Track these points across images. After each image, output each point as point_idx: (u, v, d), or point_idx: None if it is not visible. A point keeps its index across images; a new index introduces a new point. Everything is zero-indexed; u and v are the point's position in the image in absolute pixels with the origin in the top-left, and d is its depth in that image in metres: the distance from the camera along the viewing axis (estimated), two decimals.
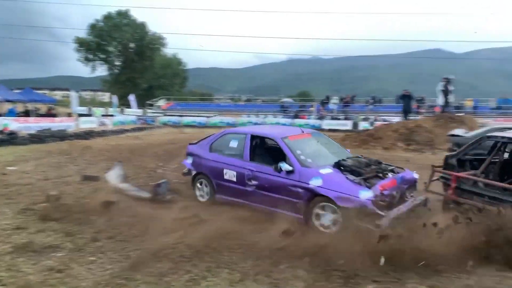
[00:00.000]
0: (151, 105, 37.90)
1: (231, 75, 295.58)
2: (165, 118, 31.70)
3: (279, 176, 5.52)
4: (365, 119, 28.71)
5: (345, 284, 3.64)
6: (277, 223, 4.93)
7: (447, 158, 6.50)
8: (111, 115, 27.35)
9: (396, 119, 25.96)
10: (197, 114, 33.62)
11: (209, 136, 7.05)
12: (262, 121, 30.60)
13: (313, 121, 29.85)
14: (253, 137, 6.28)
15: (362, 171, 5.26)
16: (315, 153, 5.97)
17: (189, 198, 6.66)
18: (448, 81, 15.97)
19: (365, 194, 4.85)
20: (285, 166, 5.44)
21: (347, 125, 28.67)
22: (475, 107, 30.11)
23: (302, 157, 5.62)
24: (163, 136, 19.68)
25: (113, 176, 6.94)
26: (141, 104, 37.75)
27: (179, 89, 58.27)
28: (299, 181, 5.33)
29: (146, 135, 20.16)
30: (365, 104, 33.81)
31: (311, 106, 35.31)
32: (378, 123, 24.84)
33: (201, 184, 6.64)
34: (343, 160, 5.64)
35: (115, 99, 31.74)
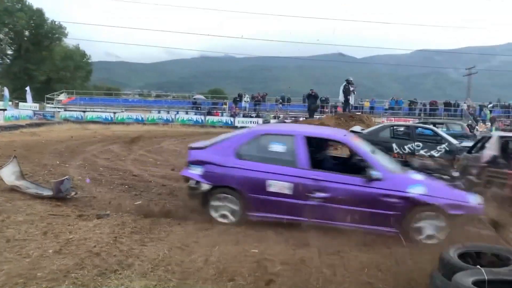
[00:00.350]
0: (51, 99, 34.88)
1: (140, 69, 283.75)
2: (66, 113, 29.43)
3: (362, 186, 4.82)
4: (275, 117, 29.85)
5: None
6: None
7: (495, 157, 6.63)
8: (3, 109, 24.59)
9: (302, 117, 27.48)
10: (102, 110, 31.81)
11: (226, 137, 5.64)
12: (173, 118, 30.09)
13: (226, 118, 30.22)
14: (307, 139, 5.26)
15: (449, 175, 5.13)
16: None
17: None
18: (349, 83, 17.34)
19: (475, 199, 4.79)
20: (375, 173, 4.81)
21: (258, 122, 29.49)
22: (371, 107, 33.05)
23: (385, 162, 5.10)
24: (65, 133, 18.27)
25: (8, 173, 6.31)
26: (39, 98, 34.55)
27: (83, 83, 54.52)
28: (391, 190, 4.73)
29: (44, 131, 18.51)
30: (275, 103, 35.07)
31: (224, 103, 35.63)
32: (287, 121, 26.04)
33: (222, 201, 5.24)
34: (422, 163, 5.47)
35: (6, 91, 28.57)
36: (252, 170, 5.14)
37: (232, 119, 29.96)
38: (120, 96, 44.72)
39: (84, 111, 30.13)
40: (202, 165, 5.32)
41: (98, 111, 30.91)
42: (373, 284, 3.60)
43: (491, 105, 34.40)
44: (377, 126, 12.10)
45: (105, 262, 3.74)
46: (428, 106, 33.31)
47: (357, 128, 12.37)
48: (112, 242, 4.29)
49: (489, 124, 29.28)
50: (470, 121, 27.26)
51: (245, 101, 34.41)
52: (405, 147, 11.05)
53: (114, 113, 30.00)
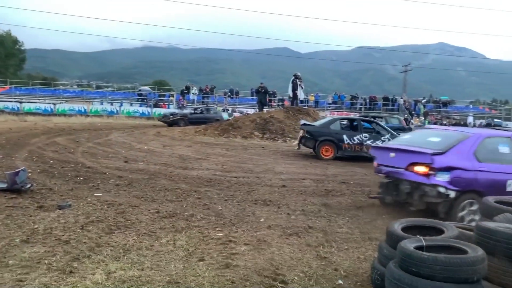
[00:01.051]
0: None
1: (77, 58, 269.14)
2: (0, 104, 27.50)
3: None
4: (224, 110, 30.00)
5: None
6: None
7: None
8: None
9: (251, 110, 27.92)
10: (41, 101, 30.07)
11: (457, 141, 5.54)
12: (118, 110, 29.24)
13: (173, 110, 29.74)
14: None
15: None
16: None
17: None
18: (297, 77, 17.97)
19: None
20: None
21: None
22: (316, 102, 34.30)
23: None
24: (1, 124, 17.24)
25: None
26: None
27: (15, 72, 51.00)
28: None
29: None
30: (223, 96, 35.19)
31: (171, 95, 35.13)
32: (236, 114, 26.34)
33: (469, 206, 5.34)
34: None
35: None
36: (494, 172, 5.33)
37: (180, 111, 29.71)
38: (59, 87, 42.43)
39: (20, 102, 28.31)
40: (449, 171, 5.22)
41: (36, 102, 29.18)
42: (327, 259, 4.03)
43: (424, 100, 37.07)
44: (328, 119, 12.83)
45: (76, 249, 3.84)
46: (368, 101, 35.18)
47: (304, 121, 13.00)
48: (80, 230, 4.38)
49: (423, 118, 31.59)
50: (406, 115, 29.29)
51: (193, 94, 34.18)
52: (354, 138, 11.83)
53: (54, 104, 28.52)
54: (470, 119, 34.66)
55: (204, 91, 35.19)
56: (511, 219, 3.40)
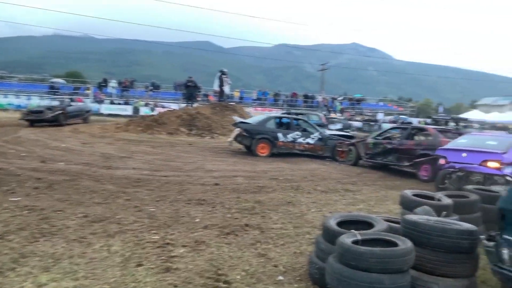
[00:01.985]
0: None
1: None
2: None
3: None
4: (146, 105, 28.99)
5: None
6: None
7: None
8: None
9: (174, 105, 27.36)
10: None
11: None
12: (27, 103, 26.76)
13: (90, 104, 28.05)
14: None
15: None
16: None
17: None
18: (224, 73, 17.97)
19: None
20: None
21: (127, 110, 28.36)
22: (241, 98, 34.67)
23: None
24: None
25: None
26: None
27: None
28: None
29: None
30: (144, 90, 33.97)
31: (87, 88, 33.01)
32: (158, 109, 25.61)
33: None
34: None
35: None
36: None
37: (97, 105, 28.09)
38: None
39: None
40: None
41: None
42: (265, 256, 4.15)
43: (341, 97, 39.40)
44: (263, 117, 13.06)
45: None
46: (289, 98, 36.46)
47: (239, 119, 13.10)
48: None
49: (340, 114, 33.56)
50: (324, 112, 30.90)
51: (111, 87, 32.56)
52: (288, 136, 12.20)
53: None
54: (380, 116, 37.62)
55: (123, 84, 33.67)
56: (429, 211, 3.80)
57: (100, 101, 28.75)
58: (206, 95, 31.65)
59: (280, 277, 3.62)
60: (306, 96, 37.38)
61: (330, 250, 3.34)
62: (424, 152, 9.86)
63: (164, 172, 8.55)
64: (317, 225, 5.29)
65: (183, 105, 24.31)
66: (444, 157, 8.01)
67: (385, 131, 12.38)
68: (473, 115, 38.95)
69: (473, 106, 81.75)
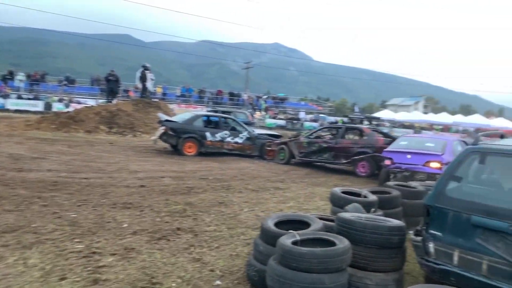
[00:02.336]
0: None
1: None
2: None
3: None
4: (60, 100, 26.87)
5: None
6: None
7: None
8: None
9: (91, 101, 25.71)
10: None
11: (445, 145, 8.39)
12: None
13: None
14: None
15: None
16: None
17: None
18: (146, 68, 17.24)
19: None
20: None
21: (38, 105, 26.08)
22: (164, 94, 33.69)
23: None
24: None
25: None
26: None
27: None
28: None
29: None
30: (58, 84, 31.43)
31: None
32: (74, 105, 23.91)
33: None
34: None
35: None
36: None
37: (3, 100, 25.43)
38: None
39: None
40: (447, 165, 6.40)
41: None
42: (201, 260, 4.04)
43: (265, 96, 40.17)
44: (190, 116, 12.62)
45: None
46: (215, 95, 36.27)
47: (165, 116, 12.63)
48: None
49: (264, 112, 34.21)
50: (250, 110, 31.25)
51: (19, 80, 29.65)
52: (216, 135, 12.01)
53: None
54: (302, 114, 39.08)
55: (33, 78, 30.84)
56: (359, 209, 3.98)
57: (5, 96, 26.01)
58: (126, 91, 30.18)
59: (218, 282, 3.54)
60: (231, 94, 37.47)
61: (269, 252, 3.33)
62: (361, 150, 10.42)
63: (84, 173, 7.95)
64: (250, 226, 5.29)
65: (101, 101, 22.95)
66: (390, 159, 8.70)
67: (317, 130, 12.75)
68: (384, 114, 42.21)
69: (383, 105, 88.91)
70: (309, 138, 11.75)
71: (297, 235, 3.09)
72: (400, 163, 8.46)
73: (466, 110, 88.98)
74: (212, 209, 5.99)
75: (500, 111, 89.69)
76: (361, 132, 11.55)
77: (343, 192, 4.76)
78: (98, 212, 5.42)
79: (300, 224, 3.64)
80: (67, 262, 3.69)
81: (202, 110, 28.26)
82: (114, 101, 17.22)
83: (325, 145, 11.14)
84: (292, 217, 3.77)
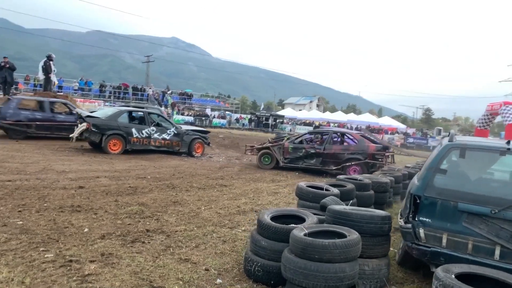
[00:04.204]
0: None
1: None
2: None
3: None
4: None
5: None
6: None
7: None
8: None
9: None
10: None
11: None
12: None
13: None
14: None
15: None
16: None
17: None
18: (50, 59, 15.59)
19: None
20: None
21: None
22: (60, 87, 30.72)
23: None
24: None
25: None
26: None
27: None
28: None
29: None
30: None
31: None
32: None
33: None
34: None
35: None
36: None
37: None
38: None
39: None
40: None
41: None
42: (189, 260, 3.94)
43: (170, 92, 39.16)
44: (114, 111, 11.69)
45: None
46: (116, 89, 34.27)
47: (81, 111, 11.64)
48: None
49: (170, 109, 33.41)
50: (156, 106, 30.24)
51: None
52: (143, 131, 11.40)
53: None
54: (208, 111, 39.15)
55: None
56: (338, 201, 4.29)
57: None
58: (16, 83, 26.86)
59: (219, 280, 3.52)
60: (135, 89, 35.78)
61: (273, 247, 3.44)
62: (352, 156, 10.54)
63: (4, 175, 7.02)
64: (217, 223, 5.30)
65: None
66: None
67: (302, 135, 12.10)
68: (286, 112, 44.44)
69: (281, 104, 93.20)
70: (295, 143, 11.41)
71: (304, 229, 3.24)
72: None
73: (353, 109, 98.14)
74: (169, 209, 5.81)
75: (379, 111, 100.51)
76: (351, 138, 11.29)
77: (309, 186, 5.05)
78: (47, 217, 4.89)
79: (295, 218, 3.80)
80: (46, 273, 3.33)
81: (101, 105, 26.59)
82: (13, 95, 15.16)
83: (312, 150, 11.00)
84: (288, 212, 3.91)
